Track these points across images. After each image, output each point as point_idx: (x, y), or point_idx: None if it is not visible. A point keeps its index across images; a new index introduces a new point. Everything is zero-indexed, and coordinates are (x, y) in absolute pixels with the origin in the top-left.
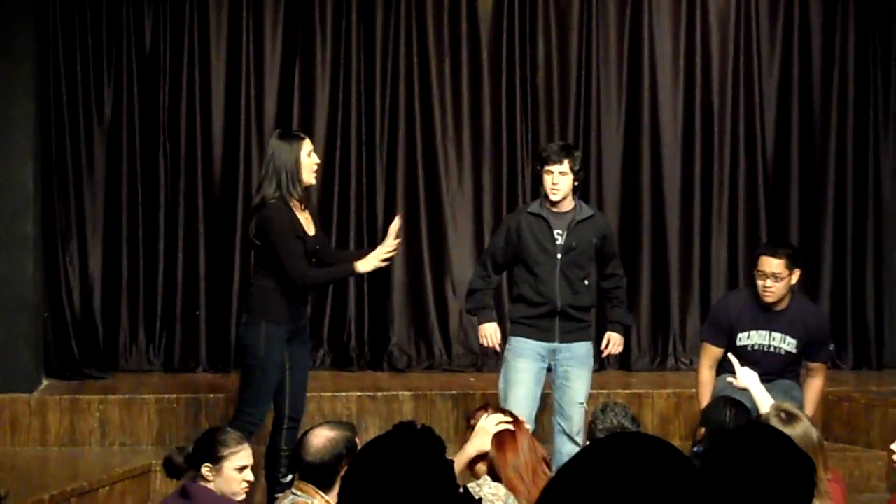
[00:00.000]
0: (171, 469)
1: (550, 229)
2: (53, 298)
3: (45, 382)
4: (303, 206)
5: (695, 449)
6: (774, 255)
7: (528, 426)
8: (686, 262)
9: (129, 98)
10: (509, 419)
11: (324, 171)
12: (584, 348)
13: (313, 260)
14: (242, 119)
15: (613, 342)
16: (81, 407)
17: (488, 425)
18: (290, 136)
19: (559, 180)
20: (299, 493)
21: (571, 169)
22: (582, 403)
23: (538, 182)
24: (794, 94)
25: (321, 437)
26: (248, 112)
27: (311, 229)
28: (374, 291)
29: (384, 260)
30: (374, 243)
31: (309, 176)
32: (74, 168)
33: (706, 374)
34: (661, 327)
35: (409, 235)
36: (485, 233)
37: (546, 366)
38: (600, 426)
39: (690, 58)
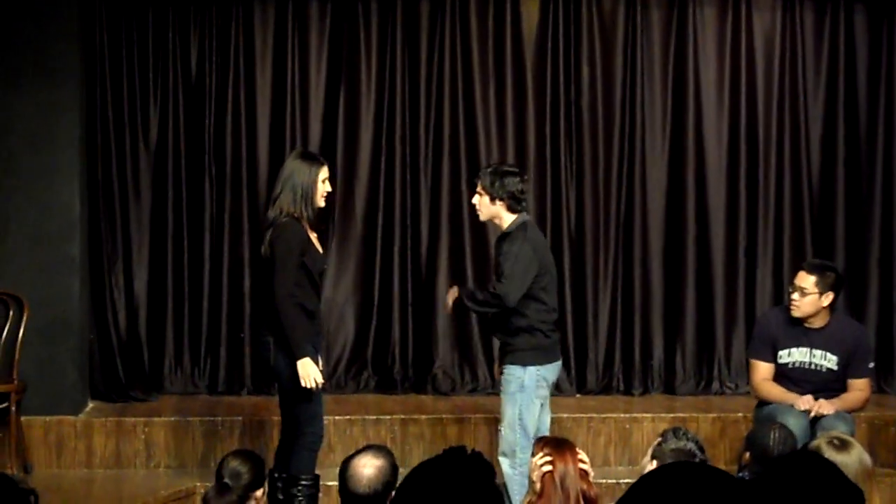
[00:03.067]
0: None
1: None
2: (99, 321)
3: (90, 405)
4: (312, 228)
5: (740, 474)
6: (810, 271)
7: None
8: (731, 286)
9: (174, 121)
10: (548, 458)
11: (368, 193)
12: (507, 371)
13: (321, 280)
14: (287, 141)
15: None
16: (127, 429)
17: (532, 474)
18: (311, 158)
19: (475, 201)
20: None
21: (484, 189)
22: (499, 426)
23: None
24: (839, 116)
25: (370, 468)
26: (293, 135)
27: (320, 249)
28: (418, 314)
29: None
30: (417, 266)
31: (320, 200)
32: (120, 190)
33: (764, 382)
34: (706, 351)
35: (454, 258)
36: None
37: None
38: (667, 448)
39: (735, 80)
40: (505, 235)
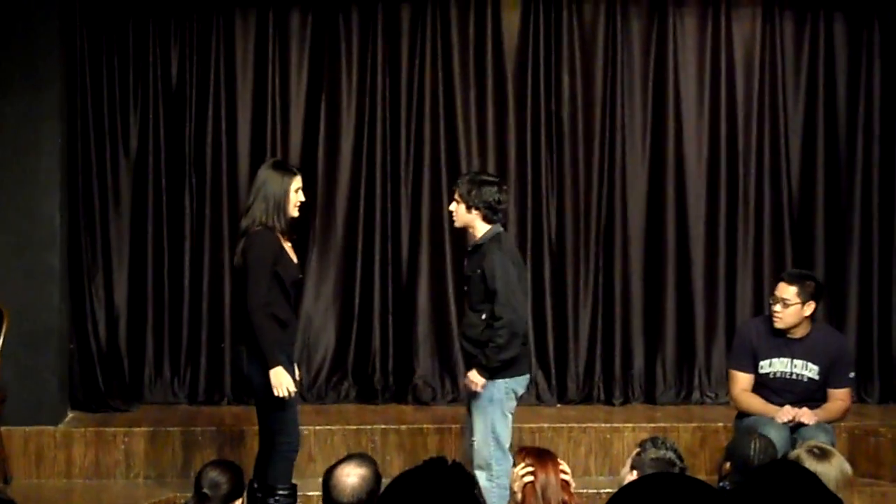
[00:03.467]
0: None
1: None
2: (79, 330)
3: (70, 414)
4: (286, 238)
5: (721, 484)
6: (790, 282)
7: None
8: (711, 295)
9: (154, 130)
10: (530, 468)
11: (348, 201)
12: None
13: (294, 289)
14: (268, 150)
15: (468, 378)
16: (107, 439)
17: (513, 484)
18: (284, 169)
19: (452, 207)
20: None
21: (461, 196)
22: (472, 439)
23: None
24: (819, 124)
25: (354, 477)
26: (274, 144)
27: (294, 258)
28: (398, 323)
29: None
30: (398, 275)
31: (293, 210)
32: (101, 200)
33: (743, 393)
34: (686, 361)
35: (435, 267)
36: None
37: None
38: (647, 458)
39: (715, 90)
40: (477, 247)
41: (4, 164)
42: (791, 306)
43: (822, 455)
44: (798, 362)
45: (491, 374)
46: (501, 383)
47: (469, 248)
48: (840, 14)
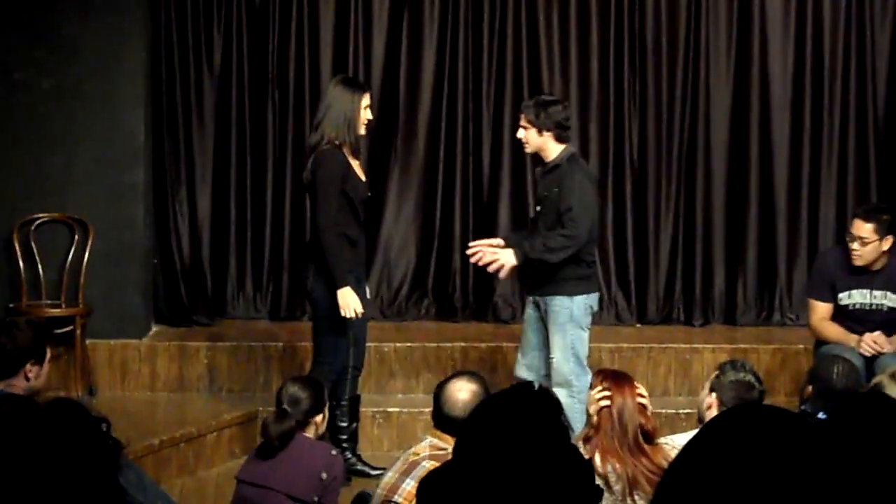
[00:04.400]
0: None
1: (537, 182)
2: (163, 246)
3: (154, 329)
4: (354, 155)
5: (802, 407)
6: (866, 218)
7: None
8: (794, 218)
9: (238, 46)
10: (606, 393)
11: (430, 120)
12: (555, 302)
13: (363, 208)
14: (350, 67)
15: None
16: (189, 353)
17: (589, 407)
18: (354, 85)
19: (521, 134)
20: (443, 442)
21: (530, 122)
22: (552, 357)
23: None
24: None
25: (467, 392)
26: (356, 60)
27: (362, 177)
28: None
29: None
30: (479, 194)
31: (362, 127)
32: (184, 116)
33: (822, 322)
34: (767, 282)
35: (516, 186)
36: None
37: (539, 315)
38: (725, 381)
39: (801, 9)
40: (555, 167)
41: (88, 81)
42: (869, 244)
43: None
44: (878, 293)
45: (525, 263)
46: (581, 299)
47: (545, 169)
48: None
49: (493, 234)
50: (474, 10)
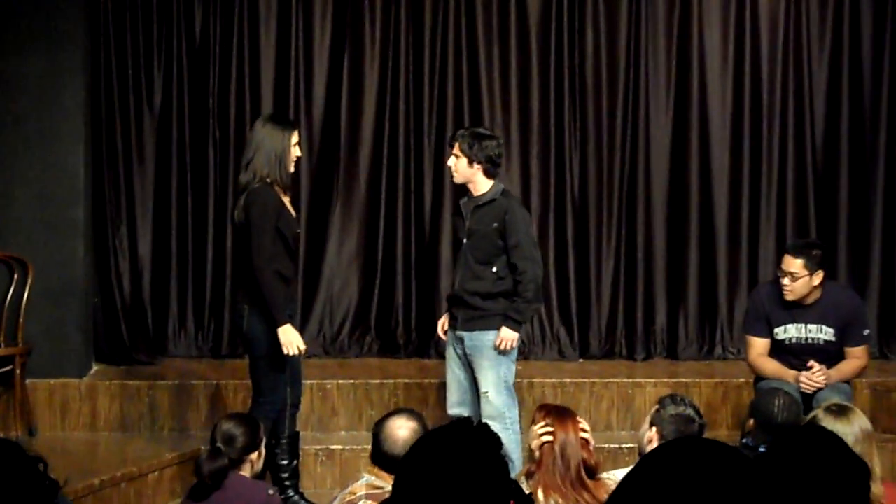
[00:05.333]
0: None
1: (461, 215)
2: (103, 284)
3: (95, 367)
4: (285, 192)
5: (744, 440)
6: (796, 254)
7: (456, 411)
8: (734, 252)
9: (178, 84)
10: (549, 429)
11: (372, 155)
12: (486, 336)
13: (295, 244)
14: (291, 105)
15: (500, 337)
16: (131, 392)
17: (531, 443)
18: (283, 122)
19: (451, 163)
20: (380, 480)
21: (462, 151)
22: (484, 392)
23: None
24: (843, 83)
25: (407, 430)
26: (297, 98)
27: (293, 213)
28: (421, 277)
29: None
30: (420, 229)
31: (292, 165)
32: (125, 153)
33: (759, 358)
34: (708, 317)
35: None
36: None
37: (463, 351)
38: (666, 414)
39: (740, 47)
40: (491, 201)
41: (28, 118)
42: (800, 279)
43: (840, 412)
44: (812, 327)
45: (519, 327)
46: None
47: (476, 202)
48: None
49: (435, 269)
50: (415, 46)
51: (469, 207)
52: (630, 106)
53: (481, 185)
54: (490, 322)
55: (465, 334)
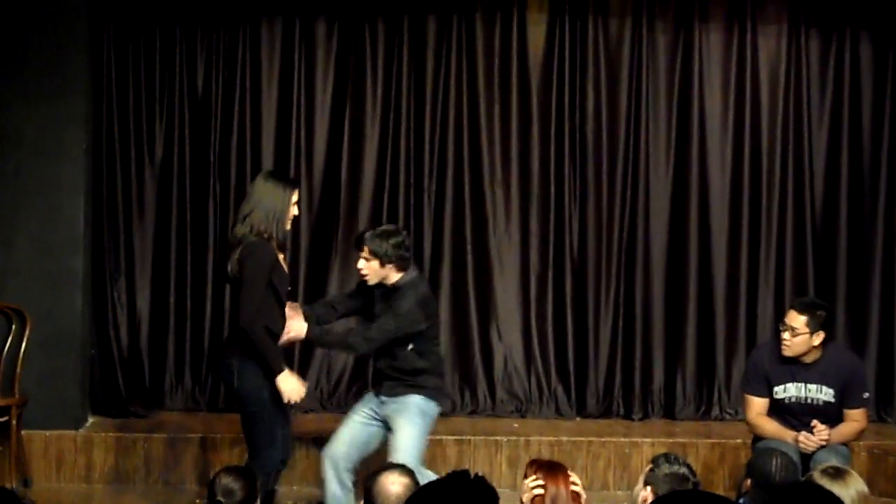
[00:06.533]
0: None
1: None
2: (101, 335)
3: (91, 419)
4: (281, 249)
5: (741, 501)
6: (801, 311)
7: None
8: (732, 312)
9: (180, 137)
10: (540, 482)
11: (371, 212)
12: (414, 399)
13: (286, 302)
14: (292, 160)
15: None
16: (126, 444)
17: (522, 496)
18: (285, 180)
19: (362, 266)
20: None
21: (373, 254)
22: (395, 450)
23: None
24: (843, 146)
25: (398, 485)
26: (298, 153)
27: (286, 270)
28: None
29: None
30: None
31: (289, 223)
32: (125, 205)
33: (758, 417)
34: (706, 377)
35: (456, 279)
36: (531, 277)
37: (378, 413)
38: (660, 474)
39: (739, 107)
40: (395, 289)
41: (29, 168)
42: (800, 335)
43: (837, 475)
44: (812, 387)
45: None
46: (434, 406)
47: (383, 290)
48: (866, 33)
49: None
50: (416, 103)
51: (378, 294)
52: (630, 167)
53: (394, 278)
54: (422, 391)
55: (388, 399)
